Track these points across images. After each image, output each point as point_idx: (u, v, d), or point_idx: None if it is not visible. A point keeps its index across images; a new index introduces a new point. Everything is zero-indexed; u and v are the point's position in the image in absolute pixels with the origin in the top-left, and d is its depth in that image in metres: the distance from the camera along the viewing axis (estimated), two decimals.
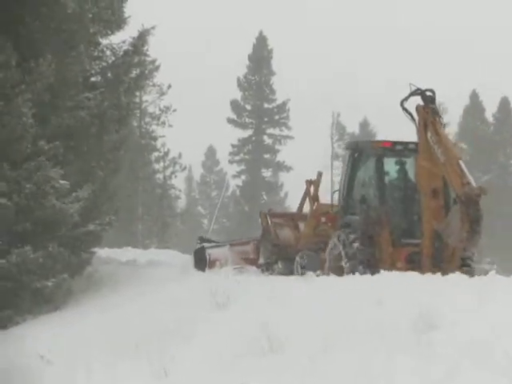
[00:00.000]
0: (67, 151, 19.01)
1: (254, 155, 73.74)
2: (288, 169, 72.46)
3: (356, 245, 19.26)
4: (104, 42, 21.02)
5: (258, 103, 75.09)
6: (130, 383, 12.02)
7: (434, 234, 18.94)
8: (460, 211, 18.26)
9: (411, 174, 20.55)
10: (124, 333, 14.91)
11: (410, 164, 20.62)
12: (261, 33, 76.57)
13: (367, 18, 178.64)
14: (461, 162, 18.81)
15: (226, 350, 12.23)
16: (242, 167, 74.47)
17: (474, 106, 78.89)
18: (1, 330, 17.11)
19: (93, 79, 20.27)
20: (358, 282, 16.42)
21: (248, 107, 75.45)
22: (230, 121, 76.38)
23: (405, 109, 20.10)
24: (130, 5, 20.90)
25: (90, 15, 20.34)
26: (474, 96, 77.30)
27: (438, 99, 19.08)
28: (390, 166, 20.82)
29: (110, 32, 21.52)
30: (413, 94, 19.56)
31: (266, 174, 74.91)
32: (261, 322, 13.00)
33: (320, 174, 23.44)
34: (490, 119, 78.19)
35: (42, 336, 15.76)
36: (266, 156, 74.40)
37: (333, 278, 17.87)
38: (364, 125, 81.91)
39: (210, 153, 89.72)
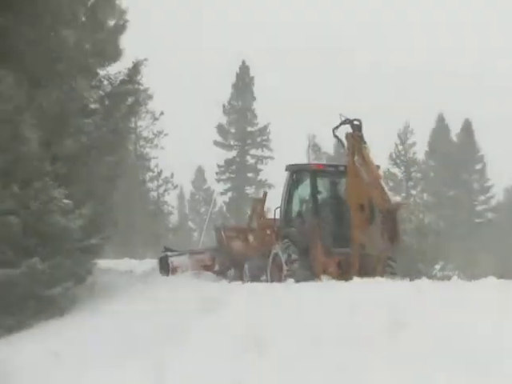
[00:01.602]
0: (70, 172, 18.59)
1: (238, 174, 73.92)
2: (270, 186, 71.52)
3: (293, 254, 20.08)
4: (102, 72, 20.61)
5: (242, 127, 75.28)
6: (129, 379, 11.04)
7: (360, 243, 19.61)
8: (381, 224, 18.86)
9: (341, 192, 21.01)
10: (124, 335, 14.42)
11: (340, 183, 21.34)
12: (244, 62, 76.79)
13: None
14: (382, 181, 19.90)
15: (217, 349, 11.72)
16: (228, 185, 74.70)
17: (441, 128, 79.85)
18: (11, 334, 16.49)
19: (92, 106, 19.96)
20: (332, 288, 16.51)
21: (232, 130, 75.60)
22: (216, 143, 76.81)
23: (336, 136, 21.44)
24: (126, 37, 21.14)
25: (88, 47, 20.13)
26: (441, 119, 78.33)
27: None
28: (322, 185, 21.80)
29: (106, 63, 20.65)
30: (343, 123, 20.54)
31: (250, 191, 75.00)
32: (247, 323, 13.06)
33: (265, 194, 24.94)
34: (454, 139, 77.98)
35: (48, 338, 15.27)
36: (250, 175, 74.40)
37: (308, 284, 17.73)
38: (338, 146, 79.61)
39: (199, 172, 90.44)
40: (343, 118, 20.73)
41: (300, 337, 11.86)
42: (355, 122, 20.23)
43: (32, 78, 17.95)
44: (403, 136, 74.82)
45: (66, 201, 17.68)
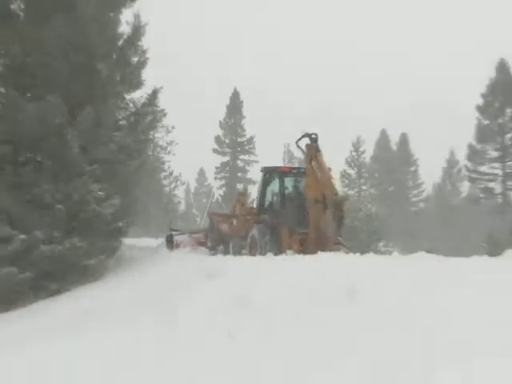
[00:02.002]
0: (103, 172, 18.65)
1: (230, 174, 74.10)
2: (254, 183, 69.09)
3: (266, 235, 20.29)
4: (128, 96, 20.57)
5: (234, 138, 75.55)
6: (147, 330, 10.52)
7: (316, 227, 19.51)
8: (331, 213, 19.02)
9: (302, 188, 20.93)
10: (145, 294, 14.84)
11: (301, 181, 21.15)
12: (235, 89, 77.02)
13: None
14: (332, 180, 19.80)
15: (214, 304, 11.39)
16: (223, 182, 75.10)
17: (383, 139, 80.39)
18: (57, 294, 16.98)
19: (120, 122, 20.17)
20: (305, 261, 15.82)
21: (227, 141, 75.57)
22: (214, 150, 77.02)
23: (298, 146, 20.95)
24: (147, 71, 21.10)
25: (118, 78, 20.41)
26: (383, 132, 78.92)
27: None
28: (288, 183, 21.72)
29: (132, 90, 20.66)
30: (303, 136, 20.18)
31: (239, 186, 73.19)
32: (239, 288, 12.69)
33: (245, 189, 25.36)
34: (394, 148, 78.56)
35: (86, 298, 15.94)
36: (239, 174, 73.66)
37: (282, 257, 17.74)
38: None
39: (201, 172, 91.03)
40: (304, 133, 20.56)
41: (277, 296, 11.35)
42: (312, 136, 20.12)
43: (74, 100, 17.73)
44: (356, 145, 75.42)
45: (99, 193, 18.09)
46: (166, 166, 62.49)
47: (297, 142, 20.78)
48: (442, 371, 6.60)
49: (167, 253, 22.60)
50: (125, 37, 20.63)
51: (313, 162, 19.78)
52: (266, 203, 21.84)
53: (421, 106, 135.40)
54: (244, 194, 26.33)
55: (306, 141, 20.28)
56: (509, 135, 50.11)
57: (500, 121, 50.31)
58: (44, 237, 17.13)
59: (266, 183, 22.02)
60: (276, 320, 9.93)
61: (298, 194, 20.98)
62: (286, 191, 21.40)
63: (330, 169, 20.08)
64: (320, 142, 20.55)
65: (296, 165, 20.48)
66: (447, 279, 10.96)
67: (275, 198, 21.47)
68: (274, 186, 21.69)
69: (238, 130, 76.10)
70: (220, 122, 77.05)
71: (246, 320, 10.39)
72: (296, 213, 20.10)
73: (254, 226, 21.13)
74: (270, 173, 22.08)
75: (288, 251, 18.70)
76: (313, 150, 19.86)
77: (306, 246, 19.21)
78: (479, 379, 6.28)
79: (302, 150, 20.84)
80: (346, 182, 74.23)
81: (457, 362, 6.88)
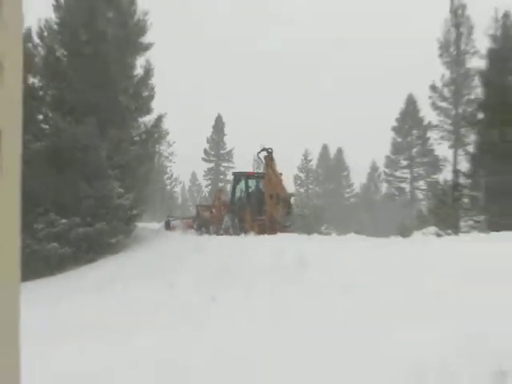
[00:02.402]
0: (122, 175, 19.08)
1: (215, 176, 72.10)
2: (231, 183, 69.01)
3: (236, 221, 20.89)
4: (140, 120, 20.59)
5: (218, 150, 74.14)
6: (155, 291, 11.12)
7: (270, 216, 19.80)
8: (281, 206, 19.45)
9: (261, 187, 21.15)
10: (152, 263, 14.97)
11: (261, 182, 21.22)
12: (219, 115, 77.43)
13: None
14: (282, 182, 20.16)
15: (202, 273, 11.70)
16: (209, 182, 73.45)
17: (324, 152, 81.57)
18: (89, 264, 17.28)
19: (135, 138, 20.33)
20: (266, 240, 16.22)
21: (212, 152, 74.01)
22: (203, 159, 75.63)
23: (259, 157, 21.40)
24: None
25: (134, 107, 20.44)
26: (325, 147, 79.68)
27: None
28: (251, 183, 21.84)
29: (143, 115, 20.84)
30: (262, 150, 20.26)
31: (221, 185, 73.68)
32: (220, 257, 13.30)
33: (221, 188, 25.51)
34: (332, 157, 79.67)
35: (110, 267, 16.22)
36: (221, 177, 74.01)
37: (252, 236, 18.07)
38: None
39: (193, 175, 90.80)
40: (262, 148, 20.65)
41: (247, 266, 11.70)
42: (269, 150, 20.29)
43: (103, 122, 18.06)
44: (305, 155, 76.53)
45: (119, 190, 18.55)
46: (168, 170, 62.82)
47: (257, 154, 21.08)
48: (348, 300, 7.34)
49: (166, 233, 22.38)
50: (139, 76, 21.13)
51: (269, 169, 20.01)
52: (236, 198, 22.01)
53: (353, 123, 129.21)
54: (221, 191, 26.46)
55: (265, 153, 20.36)
56: (415, 149, 52.53)
57: (409, 139, 53.09)
58: (80, 221, 17.78)
59: (235, 184, 22.30)
60: (250, 280, 10.14)
61: (258, 192, 21.21)
62: (250, 189, 21.69)
63: (281, 174, 20.57)
64: (274, 155, 20.57)
65: (261, 170, 20.76)
66: (371, 250, 11.81)
67: (242, 194, 21.74)
68: (241, 185, 21.94)
69: (221, 144, 76.11)
70: (207, 139, 76.55)
71: (226, 278, 10.69)
72: (256, 205, 20.57)
73: (227, 214, 21.53)
74: (238, 176, 22.51)
75: (251, 232, 18.98)
76: (268, 160, 20.08)
77: (264, 229, 19.19)
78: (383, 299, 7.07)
79: (261, 160, 21.33)
80: (298, 182, 75.98)
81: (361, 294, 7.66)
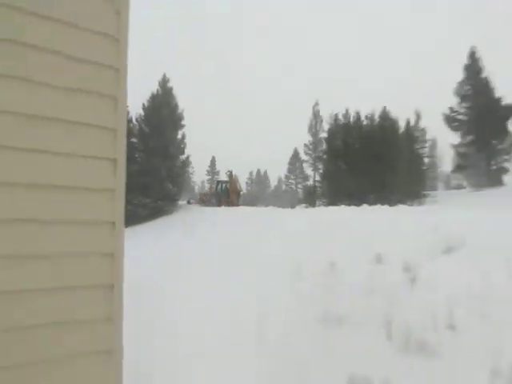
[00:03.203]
0: (172, 180, 24.77)
1: (213, 180, 75.16)
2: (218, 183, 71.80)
3: (217, 201, 27.58)
4: (181, 157, 26.28)
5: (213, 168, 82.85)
6: (183, 234, 12.86)
7: (232, 199, 27.49)
8: (235, 195, 27.98)
9: (227, 186, 28.84)
10: (184, 220, 17.65)
11: (227, 185, 28.93)
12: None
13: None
14: (236, 185, 29.13)
15: (211, 227, 13.00)
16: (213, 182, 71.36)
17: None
18: (158, 218, 21.03)
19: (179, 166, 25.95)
20: (236, 209, 20.01)
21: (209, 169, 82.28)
22: (207, 172, 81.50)
23: (227, 174, 29.36)
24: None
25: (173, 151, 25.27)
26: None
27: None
28: (223, 185, 30.08)
29: (179, 156, 25.91)
30: (228, 172, 29.34)
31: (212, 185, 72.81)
32: (214, 215, 16.42)
33: (212, 186, 31.64)
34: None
35: (169, 220, 19.58)
36: (216, 177, 75.06)
37: (225, 208, 21.85)
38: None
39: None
40: (228, 171, 29.75)
41: (229, 217, 14.42)
42: (230, 170, 29.11)
43: (163, 158, 23.54)
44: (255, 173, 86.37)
45: (170, 186, 24.14)
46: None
47: (226, 173, 29.12)
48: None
49: (189, 206, 25.97)
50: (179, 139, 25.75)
51: (230, 179, 28.86)
52: (217, 191, 29.57)
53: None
54: (211, 187, 33.06)
55: (228, 173, 29.26)
56: (298, 171, 70.94)
57: (296, 165, 71.04)
58: (151, 200, 21.97)
59: (217, 185, 30.61)
60: (230, 224, 12.06)
61: (226, 189, 29.06)
62: (223, 187, 29.65)
63: (237, 180, 29.02)
64: (234, 172, 29.15)
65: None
66: (270, 212, 14.87)
67: (220, 189, 29.52)
68: (220, 186, 30.05)
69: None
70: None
71: (217, 226, 12.67)
72: (225, 194, 28.40)
73: (214, 197, 28.81)
74: (219, 182, 31.32)
75: (223, 206, 24.31)
76: (229, 176, 28.98)
77: (229, 205, 25.38)
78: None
79: (227, 175, 29.75)
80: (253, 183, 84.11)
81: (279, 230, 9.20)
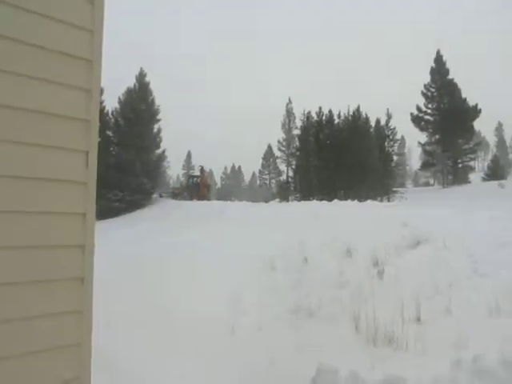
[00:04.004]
0: (148, 174, 25.41)
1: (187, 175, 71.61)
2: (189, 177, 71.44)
3: (188, 194, 27.16)
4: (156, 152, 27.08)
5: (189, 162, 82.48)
6: (156, 222, 13.90)
7: (202, 192, 27.00)
8: (207, 188, 27.77)
9: (198, 180, 28.17)
10: (156, 212, 19.02)
11: (199, 179, 28.43)
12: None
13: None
14: (207, 180, 29.47)
15: (180, 217, 14.24)
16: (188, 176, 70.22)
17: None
18: (133, 212, 21.75)
19: (154, 159, 26.92)
20: (202, 202, 21.66)
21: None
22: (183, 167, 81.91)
23: (198, 169, 29.00)
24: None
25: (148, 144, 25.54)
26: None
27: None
28: (194, 179, 29.16)
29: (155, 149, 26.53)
30: (200, 166, 29.35)
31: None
32: (189, 208, 17.08)
33: (183, 180, 30.82)
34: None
35: (143, 213, 20.67)
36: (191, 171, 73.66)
37: (196, 201, 23.04)
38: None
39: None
40: (200, 166, 29.36)
41: (201, 209, 15.41)
42: (201, 165, 28.70)
43: (139, 150, 23.97)
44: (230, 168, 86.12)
45: (145, 180, 23.63)
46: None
47: (198, 167, 29.06)
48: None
49: (162, 199, 26.14)
50: (155, 131, 26.36)
51: (201, 175, 28.38)
52: (189, 184, 28.74)
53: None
54: (183, 182, 31.40)
55: (200, 168, 28.87)
56: (271, 167, 70.83)
57: (270, 161, 70.86)
58: (127, 194, 22.76)
59: (188, 178, 30.06)
60: (205, 216, 12.57)
61: (197, 183, 28.16)
62: (194, 181, 28.74)
63: (208, 175, 29.29)
64: (205, 167, 29.01)
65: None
66: (244, 205, 15.92)
67: (191, 183, 28.71)
68: (191, 180, 29.19)
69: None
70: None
71: (192, 214, 13.83)
72: (196, 188, 27.43)
73: (186, 191, 28.00)
74: (190, 176, 30.85)
75: (195, 199, 24.85)
76: (201, 170, 28.52)
77: (200, 198, 25.17)
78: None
79: (199, 170, 29.18)
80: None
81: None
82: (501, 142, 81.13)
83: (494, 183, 31.56)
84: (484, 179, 44.32)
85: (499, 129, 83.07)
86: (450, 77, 40.60)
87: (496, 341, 3.19)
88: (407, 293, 4.86)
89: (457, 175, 38.97)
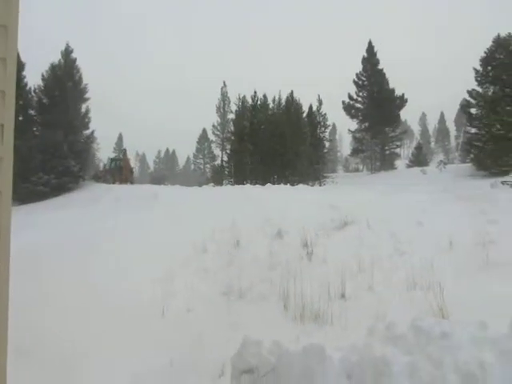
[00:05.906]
0: (76, 155, 23.29)
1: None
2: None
3: (112, 178, 25.65)
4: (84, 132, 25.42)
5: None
6: (80, 208, 12.58)
7: (125, 176, 25.86)
8: (129, 173, 26.36)
9: (121, 164, 26.71)
10: (88, 196, 16.92)
11: (121, 162, 27.17)
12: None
13: None
14: (129, 163, 27.65)
15: (108, 200, 13.23)
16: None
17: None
18: (60, 195, 19.97)
19: (81, 140, 25.03)
20: (127, 186, 20.57)
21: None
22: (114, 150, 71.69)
23: (121, 154, 29.79)
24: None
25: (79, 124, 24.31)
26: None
27: None
28: (117, 162, 27.44)
29: (83, 129, 25.39)
30: (122, 149, 29.21)
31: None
32: (114, 191, 15.78)
33: (106, 163, 30.54)
34: None
35: (71, 197, 18.79)
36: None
37: (120, 185, 22.12)
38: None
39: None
40: (123, 149, 29.08)
41: (129, 193, 13.98)
42: (124, 148, 28.24)
43: (66, 130, 22.07)
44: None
45: (73, 163, 21.64)
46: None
47: (121, 150, 27.91)
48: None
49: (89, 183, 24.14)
50: (83, 112, 24.89)
51: (124, 157, 27.04)
52: (111, 168, 26.80)
53: None
54: (106, 165, 29.26)
55: (123, 151, 27.77)
56: (206, 151, 68.20)
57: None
58: (54, 177, 20.85)
59: (111, 162, 27.59)
60: (137, 201, 11.39)
61: (120, 166, 26.57)
62: (116, 164, 27.07)
63: (129, 159, 27.09)
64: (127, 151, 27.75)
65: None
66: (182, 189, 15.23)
67: (113, 166, 26.85)
68: (113, 163, 27.31)
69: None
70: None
71: (123, 199, 12.69)
72: (118, 171, 25.91)
73: (108, 172, 26.43)
74: (113, 159, 28.26)
75: (117, 183, 24.04)
76: (124, 153, 27.48)
77: (122, 182, 24.44)
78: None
79: (122, 153, 28.15)
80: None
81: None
82: (424, 132, 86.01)
83: (418, 169, 33.30)
84: (408, 166, 46.98)
85: (423, 119, 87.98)
86: (379, 67, 41.90)
87: (412, 312, 3.45)
88: (333, 271, 5.12)
89: (384, 161, 40.88)
